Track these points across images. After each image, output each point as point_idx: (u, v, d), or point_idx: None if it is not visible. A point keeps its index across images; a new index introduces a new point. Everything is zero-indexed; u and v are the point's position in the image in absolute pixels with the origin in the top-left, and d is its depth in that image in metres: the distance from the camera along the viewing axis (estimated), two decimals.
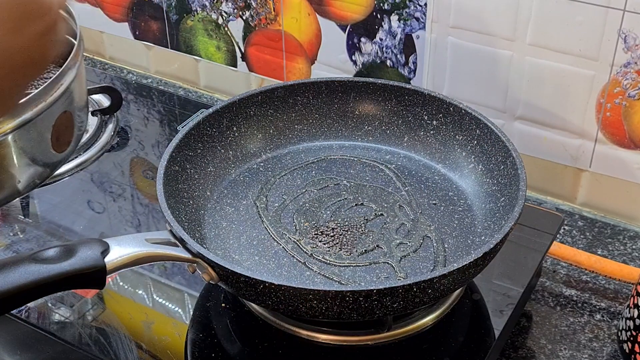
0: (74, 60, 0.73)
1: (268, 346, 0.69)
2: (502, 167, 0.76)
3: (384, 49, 0.96)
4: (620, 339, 0.71)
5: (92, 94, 1.01)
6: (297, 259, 0.72)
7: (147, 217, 0.88)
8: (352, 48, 0.99)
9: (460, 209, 0.77)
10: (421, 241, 0.74)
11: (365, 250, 0.73)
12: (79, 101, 0.76)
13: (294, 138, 0.86)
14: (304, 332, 0.69)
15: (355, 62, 1.00)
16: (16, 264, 0.58)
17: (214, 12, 1.08)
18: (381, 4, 0.93)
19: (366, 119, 0.86)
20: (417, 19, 0.92)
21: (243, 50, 1.09)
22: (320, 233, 0.75)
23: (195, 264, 0.65)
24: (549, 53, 0.85)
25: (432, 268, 0.71)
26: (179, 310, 0.76)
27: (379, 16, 0.94)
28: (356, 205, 0.78)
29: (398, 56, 0.95)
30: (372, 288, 0.60)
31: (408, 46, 0.94)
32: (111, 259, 0.62)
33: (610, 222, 0.89)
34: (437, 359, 0.68)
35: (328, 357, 0.68)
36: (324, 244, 0.73)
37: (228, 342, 0.70)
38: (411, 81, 0.96)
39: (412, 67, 0.95)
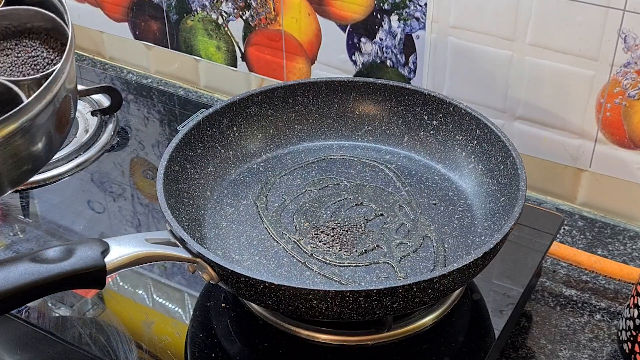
0: (71, 46, 0.74)
1: (268, 346, 0.69)
2: (502, 167, 0.76)
3: (384, 49, 0.96)
4: (620, 339, 0.71)
5: (92, 94, 1.01)
6: (297, 259, 0.72)
7: (147, 217, 0.88)
8: (352, 48, 0.99)
9: (460, 209, 0.77)
10: (421, 241, 0.74)
11: (365, 250, 0.73)
12: (73, 83, 0.77)
13: (294, 138, 0.86)
14: (304, 332, 0.69)
15: (355, 62, 1.00)
16: (16, 264, 0.58)
17: (214, 12, 1.08)
18: (381, 4, 0.93)
19: (366, 119, 0.86)
20: (417, 19, 0.92)
21: (243, 50, 1.09)
22: (320, 233, 0.75)
23: (195, 264, 0.65)
24: (549, 53, 0.85)
25: (432, 268, 0.71)
26: (179, 310, 0.76)
27: (379, 16, 0.94)
28: (356, 205, 0.78)
29: (398, 56, 0.95)
30: (372, 288, 0.60)
31: (408, 46, 0.94)
32: (111, 259, 0.62)
33: (610, 222, 0.89)
34: (437, 359, 0.68)
35: (328, 357, 0.68)
36: (324, 244, 0.73)
37: (228, 342, 0.70)
38: (411, 81, 0.96)
39: (412, 67, 0.95)
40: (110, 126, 1.01)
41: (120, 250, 0.62)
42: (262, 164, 0.84)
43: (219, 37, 1.10)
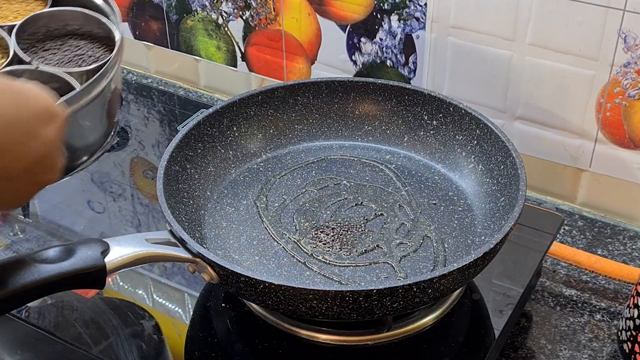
0: (122, 41, 0.76)
1: (268, 346, 0.69)
2: (502, 167, 0.76)
3: (384, 49, 0.96)
4: (620, 339, 0.71)
5: None
6: (297, 259, 0.72)
7: (147, 217, 0.88)
8: (352, 48, 0.99)
9: (460, 208, 0.77)
10: (421, 241, 0.74)
11: (365, 250, 0.73)
12: (120, 79, 0.81)
13: (294, 138, 0.86)
14: (304, 332, 0.69)
15: (355, 62, 1.00)
16: (16, 264, 0.58)
17: (214, 12, 1.08)
18: (381, 4, 0.93)
19: (366, 119, 0.86)
20: (417, 19, 0.92)
21: (243, 50, 1.09)
22: (320, 233, 0.75)
23: (195, 264, 0.65)
24: (549, 53, 0.85)
25: (432, 268, 0.71)
26: (179, 310, 0.76)
27: (379, 16, 0.94)
28: (356, 205, 0.78)
29: (398, 56, 0.95)
30: (372, 288, 0.60)
31: (408, 46, 0.94)
32: (111, 259, 0.62)
33: (610, 222, 0.89)
34: (437, 359, 0.68)
35: (328, 357, 0.68)
36: (324, 244, 0.73)
37: (228, 342, 0.70)
38: (411, 81, 0.96)
39: (412, 67, 0.95)
40: None
41: (120, 251, 0.62)
42: (262, 164, 0.84)
43: (219, 37, 1.10)
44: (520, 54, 0.87)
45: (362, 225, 0.76)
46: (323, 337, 0.69)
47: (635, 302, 0.68)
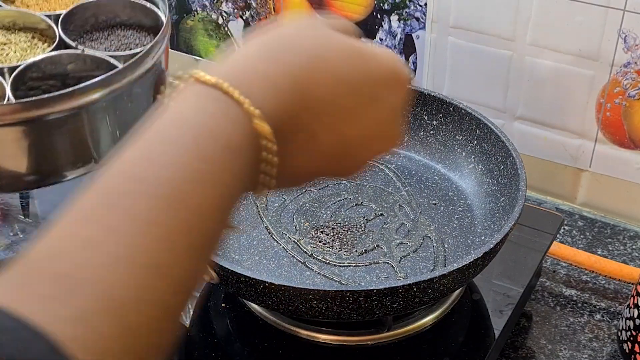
0: (167, 25, 0.76)
1: (268, 346, 0.69)
2: (502, 167, 0.76)
3: None
4: (620, 339, 0.71)
5: None
6: (297, 259, 0.72)
7: None
8: None
9: (460, 209, 0.77)
10: (421, 241, 0.74)
11: (365, 250, 0.73)
12: (166, 61, 0.80)
13: None
14: (304, 332, 0.69)
15: None
16: None
17: (214, 12, 1.08)
18: (381, 4, 0.93)
19: None
20: (417, 19, 0.92)
21: None
22: (320, 233, 0.75)
23: None
24: (549, 53, 0.85)
25: (432, 268, 0.71)
26: None
27: (379, 16, 0.94)
28: (356, 205, 0.78)
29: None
30: (372, 288, 0.60)
31: (408, 46, 0.94)
32: None
33: (610, 222, 0.89)
34: (437, 359, 0.68)
35: (328, 357, 0.68)
36: (324, 244, 0.73)
37: (228, 342, 0.70)
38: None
39: (412, 67, 0.95)
40: None
41: None
42: None
43: (219, 37, 1.10)
44: (520, 54, 0.87)
45: (362, 225, 0.75)
46: (323, 337, 0.68)
47: (635, 302, 0.68)
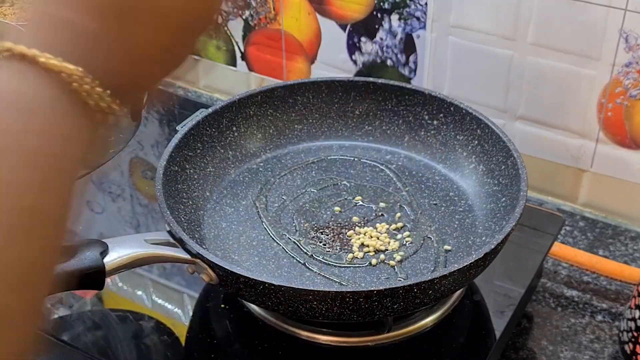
0: None
1: (268, 347, 0.69)
2: (503, 167, 0.75)
3: (384, 48, 0.96)
4: (622, 340, 0.71)
5: None
6: (297, 260, 0.71)
7: (146, 217, 0.88)
8: (352, 48, 0.98)
9: (461, 209, 0.77)
10: (422, 242, 0.73)
11: (365, 251, 0.72)
12: None
13: (294, 138, 0.86)
14: (304, 333, 0.69)
15: (355, 62, 0.99)
16: None
17: None
18: (381, 4, 0.93)
19: (366, 119, 0.86)
20: (418, 19, 0.91)
21: (243, 49, 1.09)
22: (320, 233, 0.74)
23: (194, 265, 0.65)
24: (550, 53, 0.85)
25: (432, 269, 0.70)
26: (179, 311, 0.76)
27: (379, 15, 0.94)
28: (356, 205, 0.78)
29: (398, 56, 0.95)
30: (372, 289, 0.60)
31: (408, 46, 0.94)
32: (110, 259, 0.61)
33: (611, 223, 0.89)
34: None
35: (328, 358, 0.68)
36: (324, 244, 0.73)
37: (227, 343, 0.70)
38: (412, 81, 0.96)
39: (413, 66, 0.95)
40: None
41: (119, 251, 0.62)
42: (261, 164, 0.83)
43: (219, 36, 1.10)
44: (521, 53, 0.86)
45: (363, 225, 0.75)
46: (323, 338, 0.68)
47: (637, 303, 0.68)
